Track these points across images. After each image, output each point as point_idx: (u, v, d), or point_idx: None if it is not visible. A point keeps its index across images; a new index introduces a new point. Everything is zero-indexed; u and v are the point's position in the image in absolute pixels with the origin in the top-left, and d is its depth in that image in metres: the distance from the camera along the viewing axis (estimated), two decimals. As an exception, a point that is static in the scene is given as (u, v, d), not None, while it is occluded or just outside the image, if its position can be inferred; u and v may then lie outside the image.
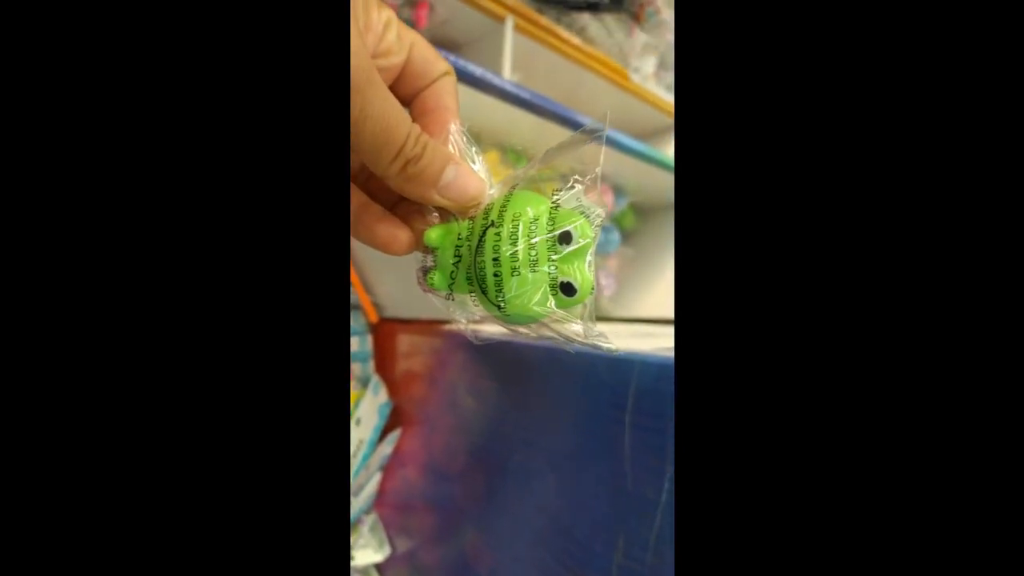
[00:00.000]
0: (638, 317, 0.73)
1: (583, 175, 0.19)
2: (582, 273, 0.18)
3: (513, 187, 0.19)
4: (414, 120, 0.21)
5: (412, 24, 0.55)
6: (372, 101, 0.16)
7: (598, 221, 0.18)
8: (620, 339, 0.46)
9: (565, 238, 0.18)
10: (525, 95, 0.45)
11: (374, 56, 0.19)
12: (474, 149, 0.20)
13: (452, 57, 0.39)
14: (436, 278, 0.20)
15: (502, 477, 0.40)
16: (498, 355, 0.38)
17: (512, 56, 0.58)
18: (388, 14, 0.19)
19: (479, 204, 0.20)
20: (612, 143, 0.57)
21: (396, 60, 0.20)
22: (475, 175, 0.19)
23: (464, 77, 0.40)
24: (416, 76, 0.20)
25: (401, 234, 0.20)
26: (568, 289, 0.18)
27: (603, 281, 0.70)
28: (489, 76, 0.41)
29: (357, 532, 0.51)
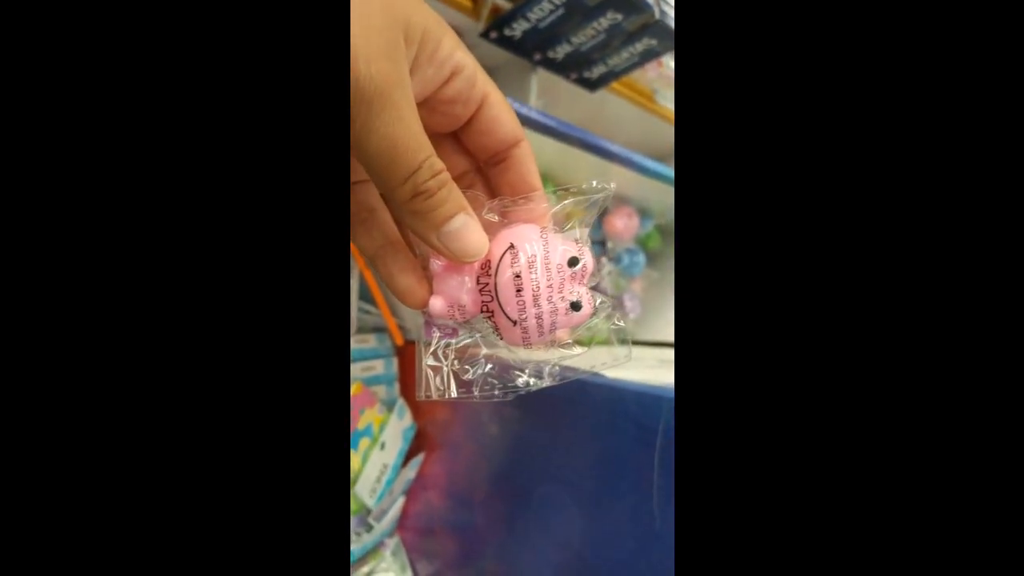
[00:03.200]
0: (663, 341, 0.72)
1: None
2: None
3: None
4: (498, 192, 0.21)
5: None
6: (380, 116, 0.16)
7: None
8: (646, 366, 0.46)
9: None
10: (551, 123, 0.45)
11: (431, 99, 0.19)
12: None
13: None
14: None
15: (524, 508, 0.40)
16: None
17: (538, 79, 0.58)
18: (462, 62, 0.19)
19: (475, 260, 0.19)
20: (637, 166, 0.57)
21: (460, 110, 0.20)
22: (481, 232, 0.19)
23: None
24: (483, 133, 0.20)
25: (420, 291, 0.20)
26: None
27: (628, 303, 0.70)
28: (516, 107, 0.41)
29: (379, 556, 0.51)
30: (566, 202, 0.21)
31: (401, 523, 0.52)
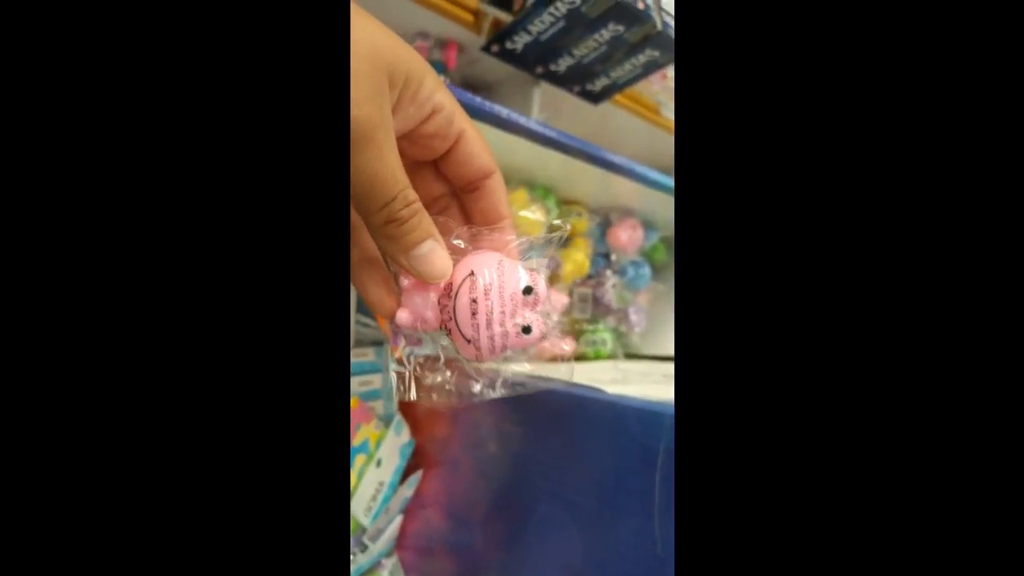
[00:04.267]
0: (669, 355, 0.71)
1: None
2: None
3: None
4: (471, 219, 0.24)
5: (442, 64, 0.56)
6: (363, 153, 0.18)
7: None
8: (651, 381, 0.45)
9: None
10: (552, 134, 0.45)
11: (413, 133, 0.21)
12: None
13: (480, 100, 0.39)
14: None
15: (524, 527, 0.39)
16: (522, 398, 0.37)
17: (540, 92, 0.58)
18: (441, 102, 0.21)
19: (439, 282, 0.21)
20: (641, 178, 0.57)
21: (439, 143, 0.22)
22: (446, 257, 0.21)
23: (493, 119, 0.40)
24: (459, 164, 0.23)
25: (389, 303, 0.22)
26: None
27: (633, 317, 0.68)
28: (515, 117, 0.41)
29: (376, 576, 0.49)
30: (527, 238, 0.24)
31: (399, 542, 0.51)
